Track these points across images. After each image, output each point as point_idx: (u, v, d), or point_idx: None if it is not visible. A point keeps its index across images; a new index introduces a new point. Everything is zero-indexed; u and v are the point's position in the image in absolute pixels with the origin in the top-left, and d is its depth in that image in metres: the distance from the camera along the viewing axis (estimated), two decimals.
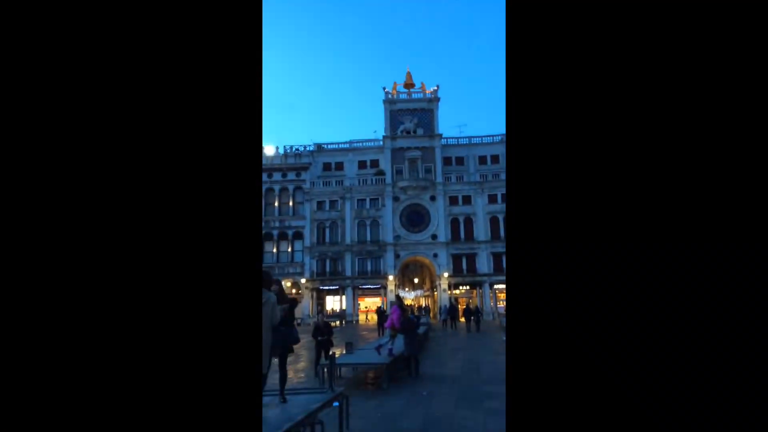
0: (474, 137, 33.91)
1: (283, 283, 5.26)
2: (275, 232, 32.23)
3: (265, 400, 4.09)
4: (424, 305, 30.40)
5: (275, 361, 4.28)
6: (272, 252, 32.18)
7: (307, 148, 34.35)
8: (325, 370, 7.36)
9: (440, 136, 32.30)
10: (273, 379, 4.43)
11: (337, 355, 7.78)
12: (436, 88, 32.99)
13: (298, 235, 32.00)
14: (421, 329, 11.78)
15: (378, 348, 8.86)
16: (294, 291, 30.01)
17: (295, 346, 4.70)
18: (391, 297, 27.21)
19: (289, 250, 32.15)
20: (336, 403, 4.42)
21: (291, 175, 32.97)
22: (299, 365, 10.25)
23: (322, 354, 8.42)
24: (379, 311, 21.94)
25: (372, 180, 32.24)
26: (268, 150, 34.03)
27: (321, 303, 30.81)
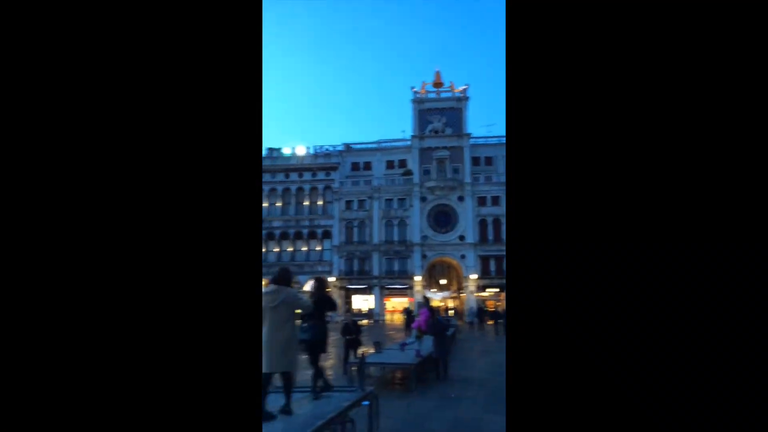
0: (503, 137, 33.34)
1: (316, 280, 5.15)
2: (305, 231, 32.77)
3: (297, 396, 4.21)
4: (452, 306, 30.16)
5: (301, 358, 4.28)
6: (302, 250, 32.78)
7: (336, 149, 34.76)
8: (354, 368, 7.46)
9: (469, 135, 31.98)
10: (305, 376, 4.52)
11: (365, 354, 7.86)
12: (465, 87, 32.69)
13: (327, 234, 32.42)
14: (449, 331, 11.75)
15: (402, 346, 8.90)
16: None
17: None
18: (418, 297, 27.17)
19: (319, 248, 32.64)
20: (365, 402, 4.49)
21: (321, 175, 33.43)
22: (327, 363, 10.42)
23: (350, 352, 8.54)
24: (407, 311, 21.96)
25: (400, 180, 32.27)
26: (300, 150, 34.63)
27: (348, 302, 31.10)
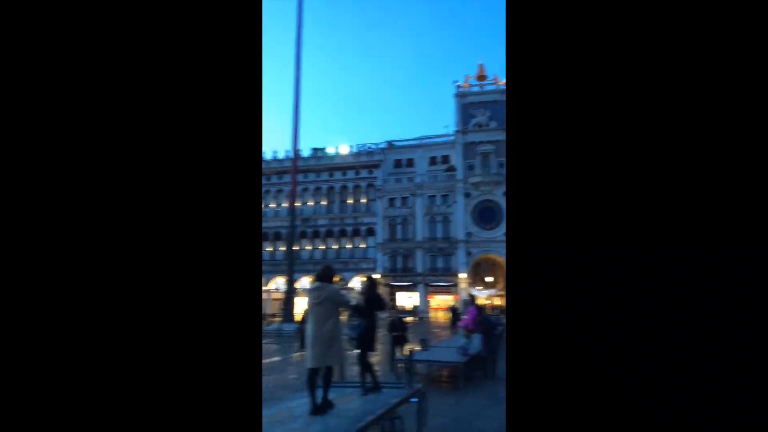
0: None
1: (367, 279, 5.23)
2: (349, 229, 33.27)
3: (346, 392, 4.27)
4: (499, 304, 29.45)
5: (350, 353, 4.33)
6: (346, 248, 33.34)
7: (379, 146, 34.95)
8: (401, 366, 7.47)
9: None
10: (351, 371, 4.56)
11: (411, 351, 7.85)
12: None
13: (371, 232, 32.72)
14: (498, 329, 11.51)
15: (460, 349, 8.79)
16: None
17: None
18: (463, 295, 26.80)
19: (363, 246, 33.03)
20: (414, 399, 4.47)
21: (363, 173, 33.77)
22: (373, 359, 10.51)
23: (397, 349, 8.56)
24: (452, 309, 21.73)
25: (443, 176, 31.91)
26: (343, 149, 35.18)
27: (392, 299, 31.26)
